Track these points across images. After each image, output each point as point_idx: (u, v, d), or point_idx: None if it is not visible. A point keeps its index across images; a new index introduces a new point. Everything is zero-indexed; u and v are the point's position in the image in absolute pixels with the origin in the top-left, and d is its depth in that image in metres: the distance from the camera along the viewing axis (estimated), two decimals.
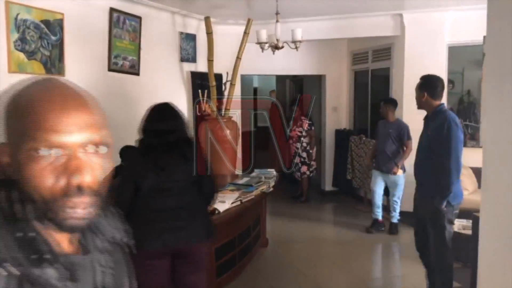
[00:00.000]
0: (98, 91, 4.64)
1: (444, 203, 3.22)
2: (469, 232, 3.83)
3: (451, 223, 3.34)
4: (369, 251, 5.05)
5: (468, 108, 6.05)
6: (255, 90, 11.55)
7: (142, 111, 5.18)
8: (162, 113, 2.80)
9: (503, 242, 1.68)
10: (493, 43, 1.72)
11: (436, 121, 3.30)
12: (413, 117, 5.05)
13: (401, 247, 5.17)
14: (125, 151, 3.19)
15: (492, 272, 1.78)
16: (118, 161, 4.25)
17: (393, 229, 5.50)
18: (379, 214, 5.61)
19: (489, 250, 1.81)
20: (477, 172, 5.10)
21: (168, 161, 2.60)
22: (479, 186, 5.17)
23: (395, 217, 5.52)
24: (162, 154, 2.60)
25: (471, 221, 3.85)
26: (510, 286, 1.62)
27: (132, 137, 4.84)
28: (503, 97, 1.64)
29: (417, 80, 4.05)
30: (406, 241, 5.11)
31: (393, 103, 5.53)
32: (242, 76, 7.13)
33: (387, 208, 5.74)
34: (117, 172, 4.03)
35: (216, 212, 3.50)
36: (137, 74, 5.11)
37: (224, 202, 3.62)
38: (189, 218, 2.56)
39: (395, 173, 5.31)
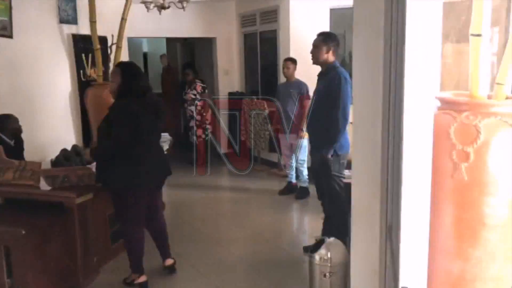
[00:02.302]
0: None
1: (331, 153, 3.40)
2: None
3: (340, 172, 3.51)
4: (265, 207, 5.26)
5: (349, 68, 6.44)
6: (145, 55, 11.14)
7: (18, 76, 4.85)
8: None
9: (371, 190, 1.88)
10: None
11: (328, 76, 3.45)
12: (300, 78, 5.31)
13: (302, 202, 5.31)
14: None
15: (362, 216, 1.99)
16: None
17: (300, 194, 5.38)
18: (292, 176, 5.58)
19: (360, 196, 2.01)
20: None
21: None
22: None
23: (303, 180, 5.40)
24: None
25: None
26: (377, 225, 1.84)
27: (7, 105, 4.48)
28: (370, 52, 1.79)
29: (303, 42, 4.23)
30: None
31: (296, 61, 5.36)
32: (130, 40, 6.85)
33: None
34: None
35: None
36: (10, 36, 4.67)
37: None
38: None
39: (302, 137, 5.16)
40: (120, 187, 3.06)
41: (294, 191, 5.50)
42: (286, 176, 5.73)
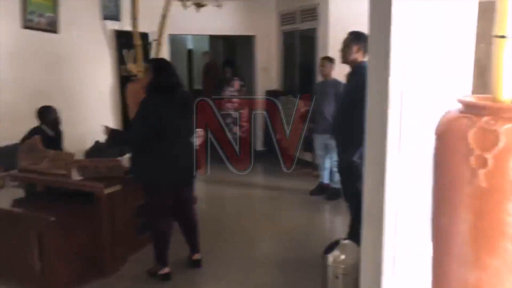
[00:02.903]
0: (11, 49, 4.46)
1: (357, 156, 3.31)
2: None
3: None
4: (295, 207, 5.24)
5: None
6: (190, 52, 11.33)
7: (61, 70, 5.08)
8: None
9: (381, 192, 1.86)
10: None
11: (355, 77, 3.38)
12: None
13: (332, 203, 5.24)
14: None
15: (372, 218, 1.97)
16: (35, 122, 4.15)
17: (331, 195, 5.29)
18: (324, 177, 5.50)
19: (371, 199, 1.99)
20: None
21: None
22: None
23: (336, 181, 5.23)
24: None
25: None
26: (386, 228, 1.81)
27: (50, 98, 4.71)
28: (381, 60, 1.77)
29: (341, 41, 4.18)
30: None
31: (333, 60, 5.21)
32: (173, 37, 7.02)
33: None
34: (32, 133, 3.94)
35: None
36: (56, 32, 4.90)
37: None
38: None
39: None
40: (144, 179, 3.16)
41: (326, 192, 5.44)
42: (318, 176, 5.67)
